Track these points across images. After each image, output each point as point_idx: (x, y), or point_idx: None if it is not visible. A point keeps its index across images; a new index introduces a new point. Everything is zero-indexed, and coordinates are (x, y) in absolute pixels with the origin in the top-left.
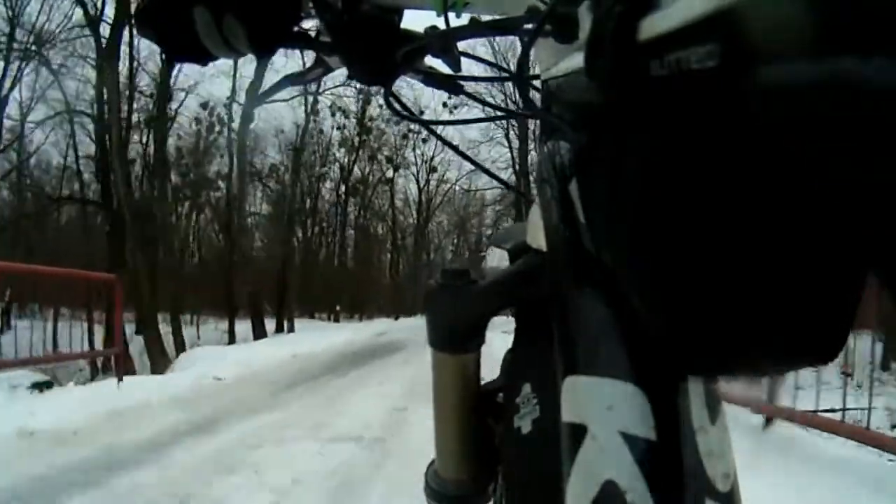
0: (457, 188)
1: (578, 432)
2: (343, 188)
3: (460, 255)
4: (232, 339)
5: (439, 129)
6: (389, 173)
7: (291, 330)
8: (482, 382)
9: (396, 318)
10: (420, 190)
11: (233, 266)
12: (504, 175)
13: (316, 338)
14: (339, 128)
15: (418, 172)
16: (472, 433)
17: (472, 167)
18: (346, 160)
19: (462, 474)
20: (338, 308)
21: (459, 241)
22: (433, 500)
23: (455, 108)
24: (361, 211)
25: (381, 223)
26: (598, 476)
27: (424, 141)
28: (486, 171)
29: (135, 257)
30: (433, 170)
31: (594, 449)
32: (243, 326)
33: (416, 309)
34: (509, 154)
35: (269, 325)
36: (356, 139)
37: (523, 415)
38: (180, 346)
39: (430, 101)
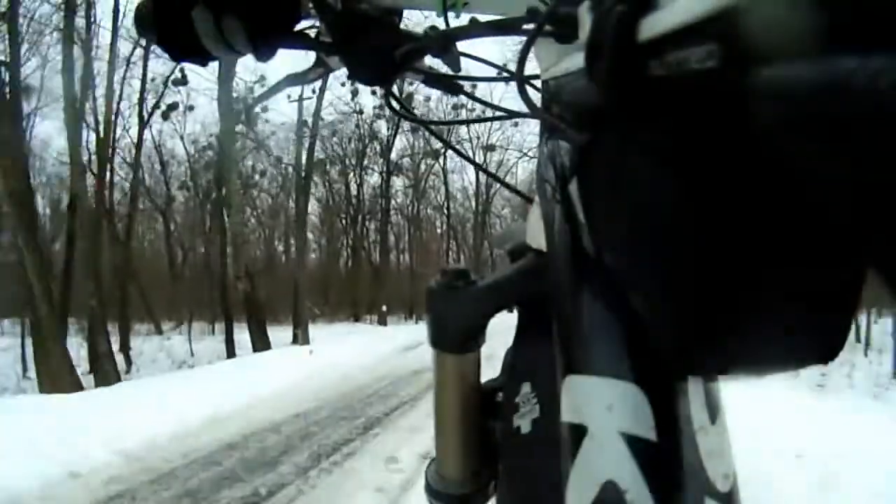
0: (517, 171)
1: (578, 432)
2: (384, 165)
3: None
4: (231, 353)
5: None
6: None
7: (306, 340)
8: (484, 381)
9: None
10: (477, 172)
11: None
12: None
13: (292, 364)
14: (378, 96)
15: (474, 153)
16: (472, 432)
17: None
18: (387, 134)
19: (463, 473)
20: (384, 309)
21: None
22: (434, 498)
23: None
24: (413, 201)
25: (439, 214)
26: (598, 476)
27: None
28: (492, 175)
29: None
30: (490, 148)
31: (594, 449)
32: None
33: None
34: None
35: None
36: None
37: (523, 414)
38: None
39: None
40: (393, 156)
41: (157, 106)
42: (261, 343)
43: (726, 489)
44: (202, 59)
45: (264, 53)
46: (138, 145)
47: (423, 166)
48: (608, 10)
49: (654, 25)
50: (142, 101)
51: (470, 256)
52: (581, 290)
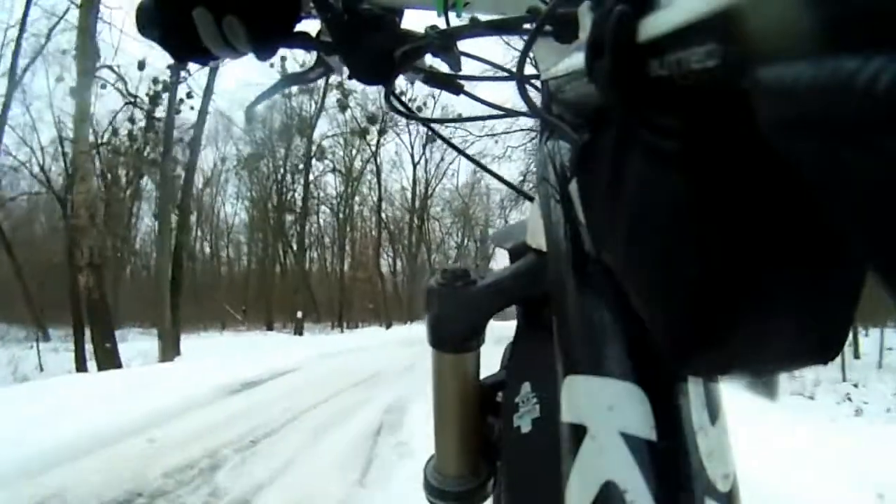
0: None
1: (578, 432)
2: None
3: (465, 252)
4: (81, 366)
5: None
6: (373, 143)
7: (171, 355)
8: (482, 377)
9: (388, 327)
10: (415, 165)
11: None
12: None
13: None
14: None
15: (413, 146)
16: (471, 430)
17: (478, 141)
18: (310, 110)
19: (462, 471)
20: (300, 315)
21: (464, 235)
22: (432, 496)
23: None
24: (344, 197)
25: (375, 215)
26: (598, 476)
27: (419, 109)
28: (490, 172)
29: None
30: (430, 140)
31: (594, 449)
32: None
33: (413, 314)
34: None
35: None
36: (322, 87)
37: (522, 414)
38: None
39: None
40: (317, 135)
41: (59, 79)
42: (106, 359)
43: (726, 489)
44: (203, 59)
45: (265, 53)
46: (4, 107)
47: (357, 161)
48: (608, 10)
49: (654, 25)
50: (17, 52)
51: (406, 261)
52: (581, 290)
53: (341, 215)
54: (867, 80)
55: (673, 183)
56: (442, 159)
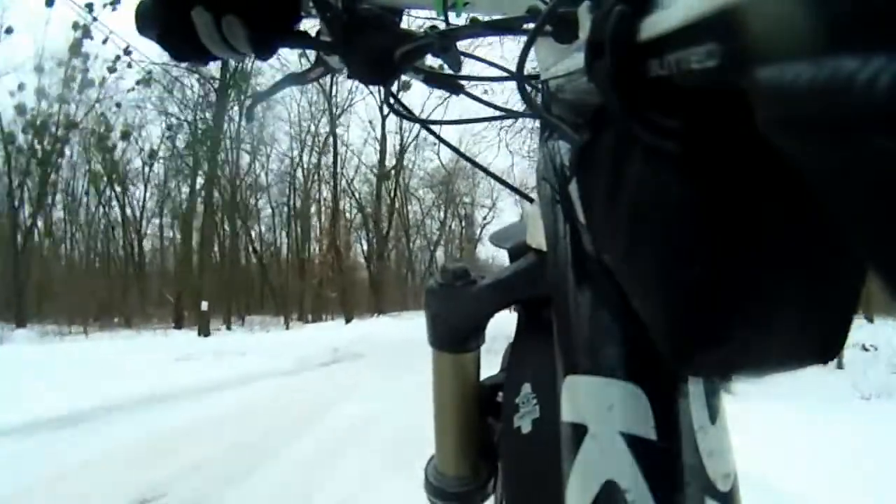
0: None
1: (578, 432)
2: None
3: (449, 234)
4: None
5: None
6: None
7: None
8: (482, 378)
9: (348, 321)
10: (384, 118)
11: None
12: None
13: None
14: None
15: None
16: (472, 430)
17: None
18: None
19: (462, 471)
20: (204, 307)
21: (447, 212)
22: (433, 495)
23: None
24: (299, 163)
25: (347, 196)
26: (598, 476)
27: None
28: (488, 172)
29: None
30: (405, 86)
31: (594, 449)
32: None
33: (381, 305)
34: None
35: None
36: None
37: (523, 414)
38: None
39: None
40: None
41: None
42: None
43: (726, 489)
44: (202, 59)
45: (264, 53)
46: None
47: (323, 125)
48: (608, 10)
49: (654, 25)
50: None
51: (376, 240)
52: (581, 291)
53: (298, 175)
54: (867, 80)
55: (673, 183)
56: (421, 111)
